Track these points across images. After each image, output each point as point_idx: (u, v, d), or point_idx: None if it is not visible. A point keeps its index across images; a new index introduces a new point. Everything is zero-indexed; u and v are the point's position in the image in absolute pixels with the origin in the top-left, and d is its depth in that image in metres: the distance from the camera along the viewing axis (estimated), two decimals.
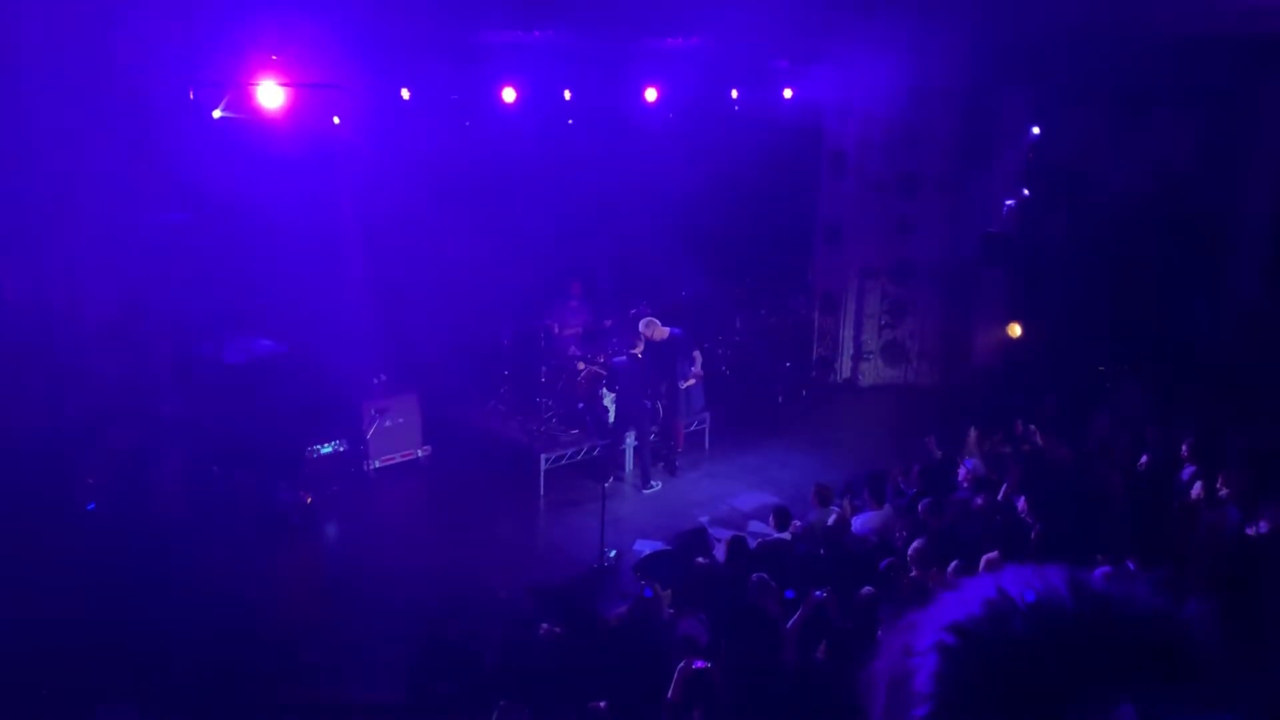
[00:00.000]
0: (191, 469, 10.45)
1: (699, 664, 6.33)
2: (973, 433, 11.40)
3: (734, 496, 12.54)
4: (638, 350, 12.41)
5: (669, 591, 8.44)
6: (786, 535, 9.57)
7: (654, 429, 12.97)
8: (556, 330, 13.96)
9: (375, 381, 12.76)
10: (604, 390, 12.97)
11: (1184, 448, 10.46)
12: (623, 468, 12.97)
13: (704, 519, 11.80)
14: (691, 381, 13.00)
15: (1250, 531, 8.48)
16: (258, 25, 10.42)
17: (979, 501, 9.78)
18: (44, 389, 10.29)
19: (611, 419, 12.85)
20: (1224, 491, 9.30)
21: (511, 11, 11.95)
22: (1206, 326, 14.62)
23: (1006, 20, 13.93)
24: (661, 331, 12.88)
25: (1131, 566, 7.45)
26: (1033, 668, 0.85)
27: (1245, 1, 11.99)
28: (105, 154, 9.88)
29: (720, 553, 9.52)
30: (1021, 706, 0.83)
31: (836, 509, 9.97)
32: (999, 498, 9.90)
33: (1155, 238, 14.41)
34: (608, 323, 14.42)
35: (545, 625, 7.73)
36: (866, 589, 7.76)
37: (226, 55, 10.47)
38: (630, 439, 12.88)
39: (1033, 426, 11.82)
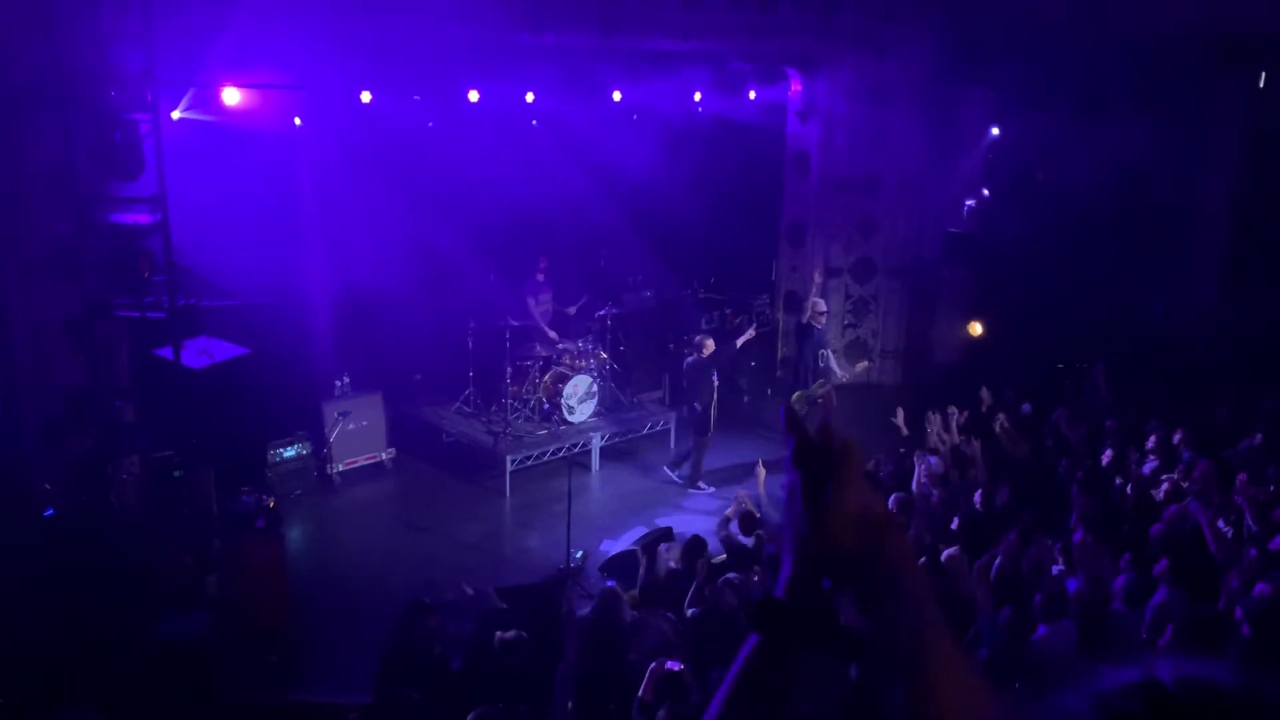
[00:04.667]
0: (152, 474, 10.33)
1: (672, 665, 6.32)
2: (936, 419, 11.39)
3: (698, 497, 12.57)
4: (705, 353, 12.43)
5: (633, 592, 8.42)
6: (749, 541, 9.56)
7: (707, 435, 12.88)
8: (533, 306, 13.89)
9: (338, 384, 12.67)
10: (567, 388, 12.96)
11: (1150, 440, 10.54)
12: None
13: (669, 519, 11.83)
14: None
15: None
16: (219, 26, 10.33)
17: (936, 497, 9.84)
18: (1, 393, 10.14)
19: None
20: (1185, 485, 9.40)
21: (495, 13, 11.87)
22: (1164, 324, 14.83)
23: (967, 21, 14.06)
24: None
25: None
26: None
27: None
28: (62, 155, 9.75)
29: (671, 557, 9.50)
30: None
31: None
32: (964, 492, 9.96)
33: (1114, 236, 14.59)
34: (571, 310, 14.42)
35: (499, 635, 7.62)
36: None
37: (186, 56, 10.36)
38: (599, 438, 12.90)
39: (998, 420, 11.89)
